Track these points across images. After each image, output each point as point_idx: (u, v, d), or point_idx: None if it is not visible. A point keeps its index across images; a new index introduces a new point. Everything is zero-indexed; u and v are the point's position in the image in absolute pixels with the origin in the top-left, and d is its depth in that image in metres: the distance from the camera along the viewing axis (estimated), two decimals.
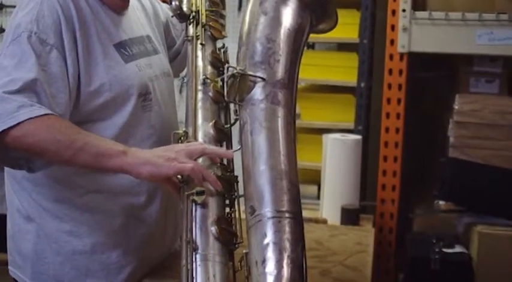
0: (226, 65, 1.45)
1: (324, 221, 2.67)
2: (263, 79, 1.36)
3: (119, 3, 1.63)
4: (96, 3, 1.59)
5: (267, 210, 1.25)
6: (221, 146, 1.47)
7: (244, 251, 1.29)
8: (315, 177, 2.94)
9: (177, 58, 1.86)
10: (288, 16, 1.43)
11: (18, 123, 1.38)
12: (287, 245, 1.22)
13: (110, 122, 1.56)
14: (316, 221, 2.64)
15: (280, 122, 1.34)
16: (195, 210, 1.35)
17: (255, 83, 1.37)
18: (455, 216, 2.79)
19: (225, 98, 1.42)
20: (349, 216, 2.65)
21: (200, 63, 1.54)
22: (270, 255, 1.21)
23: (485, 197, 2.68)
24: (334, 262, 2.03)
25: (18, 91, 1.41)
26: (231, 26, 3.29)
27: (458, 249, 2.67)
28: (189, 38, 1.60)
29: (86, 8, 1.56)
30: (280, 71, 1.38)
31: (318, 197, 2.88)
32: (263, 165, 1.30)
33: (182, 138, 1.46)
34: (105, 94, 1.54)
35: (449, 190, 2.73)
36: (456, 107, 2.80)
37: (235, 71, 1.38)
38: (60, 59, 1.48)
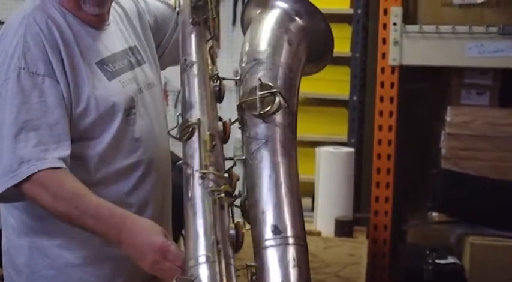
0: (258, 77, 1.41)
1: (318, 233, 2.69)
2: (288, 106, 1.38)
3: (94, 20, 1.62)
4: (75, 22, 1.59)
5: (294, 235, 1.26)
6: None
7: (252, 264, 1.29)
8: (308, 190, 2.94)
9: (169, 45, 1.81)
10: (304, 50, 1.48)
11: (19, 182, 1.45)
12: (305, 269, 1.27)
13: (100, 140, 1.57)
14: (310, 233, 2.65)
15: (294, 152, 1.36)
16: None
17: (281, 106, 1.38)
18: (448, 227, 2.81)
19: (258, 111, 1.36)
20: (343, 228, 2.67)
21: (207, 54, 1.46)
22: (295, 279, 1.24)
23: (478, 207, 2.70)
24: (328, 274, 2.05)
25: (16, 135, 1.46)
26: (225, 41, 3.31)
27: (451, 260, 2.69)
28: (196, 21, 1.46)
29: (67, 29, 1.57)
30: (295, 103, 1.41)
31: (312, 210, 2.89)
32: (288, 191, 1.30)
33: (194, 127, 1.34)
34: (92, 113, 1.55)
35: (442, 201, 2.75)
36: (448, 119, 2.83)
37: (274, 90, 1.38)
38: (54, 86, 1.51)
